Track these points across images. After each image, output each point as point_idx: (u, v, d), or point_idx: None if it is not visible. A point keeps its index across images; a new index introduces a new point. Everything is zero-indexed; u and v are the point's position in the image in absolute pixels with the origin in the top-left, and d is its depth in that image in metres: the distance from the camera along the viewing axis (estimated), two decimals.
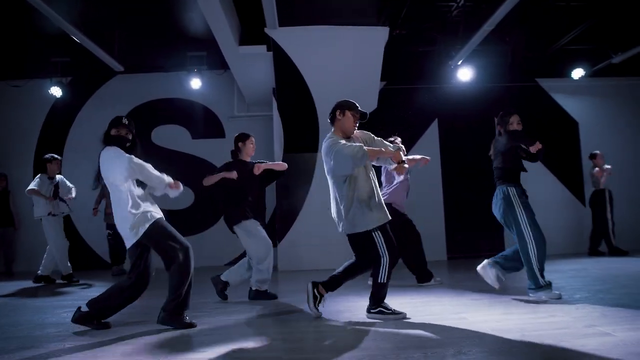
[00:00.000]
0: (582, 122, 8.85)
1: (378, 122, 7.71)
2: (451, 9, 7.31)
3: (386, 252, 3.57)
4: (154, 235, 3.42)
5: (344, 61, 6.56)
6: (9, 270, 7.98)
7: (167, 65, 8.90)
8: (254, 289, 4.66)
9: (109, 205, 7.70)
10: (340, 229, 3.70)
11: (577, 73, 8.39)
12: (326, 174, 3.69)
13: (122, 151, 3.44)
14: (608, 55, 8.14)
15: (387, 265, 3.58)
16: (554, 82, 8.83)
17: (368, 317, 3.62)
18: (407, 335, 3.07)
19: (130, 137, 3.56)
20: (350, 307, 4.13)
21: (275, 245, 7.86)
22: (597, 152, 7.83)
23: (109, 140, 3.51)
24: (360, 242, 3.66)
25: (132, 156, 3.44)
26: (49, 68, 8.64)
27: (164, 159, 8.44)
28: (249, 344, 3.02)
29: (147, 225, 3.38)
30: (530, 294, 4.06)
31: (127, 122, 3.54)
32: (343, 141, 3.58)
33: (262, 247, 4.60)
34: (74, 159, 8.85)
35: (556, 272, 5.91)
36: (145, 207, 3.46)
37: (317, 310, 3.63)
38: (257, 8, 6.38)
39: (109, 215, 7.65)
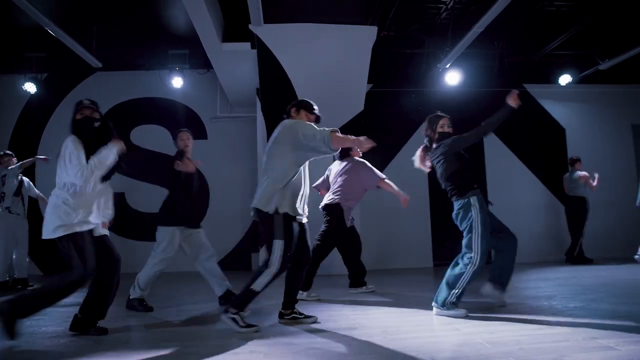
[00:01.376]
0: (569, 128, 8.81)
1: (364, 125, 7.62)
2: (440, 10, 7.20)
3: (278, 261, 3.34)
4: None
5: (330, 60, 6.37)
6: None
7: (147, 63, 8.65)
8: None
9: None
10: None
11: (565, 79, 8.36)
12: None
13: (80, 154, 3.19)
14: (595, 61, 8.11)
15: (271, 276, 3.33)
16: (541, 87, 8.79)
17: (222, 318, 3.35)
18: (404, 348, 2.88)
19: (97, 116, 3.38)
20: (357, 321, 3.92)
21: (257, 250, 7.65)
22: (578, 157, 7.84)
23: (76, 125, 3.33)
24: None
25: (87, 163, 3.19)
26: (22, 63, 8.31)
27: (143, 160, 8.17)
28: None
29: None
30: (436, 309, 3.81)
31: (89, 103, 3.37)
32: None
33: None
34: (49, 156, 8.53)
35: (545, 280, 5.79)
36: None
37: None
38: (242, 3, 6.20)
39: None
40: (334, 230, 4.97)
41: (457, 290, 3.70)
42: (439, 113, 4.08)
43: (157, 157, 8.45)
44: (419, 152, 4.13)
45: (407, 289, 5.35)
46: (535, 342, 2.87)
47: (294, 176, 3.40)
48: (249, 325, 3.32)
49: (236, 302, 3.37)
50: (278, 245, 3.33)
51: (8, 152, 6.52)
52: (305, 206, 3.60)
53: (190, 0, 5.09)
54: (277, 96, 6.85)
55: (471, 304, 4.01)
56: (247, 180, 8.19)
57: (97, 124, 3.36)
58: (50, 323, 3.81)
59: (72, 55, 7.48)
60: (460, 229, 3.89)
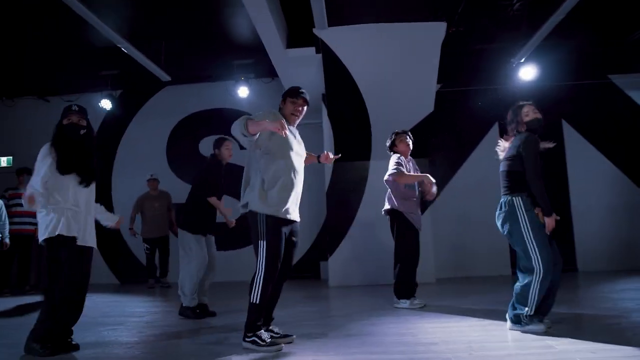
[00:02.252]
0: None
1: (435, 127, 7.29)
2: (512, 1, 6.76)
3: (263, 264, 3.14)
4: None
5: (397, 61, 6.11)
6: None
7: (213, 74, 8.81)
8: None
9: (145, 221, 7.68)
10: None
11: None
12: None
13: (42, 168, 3.18)
14: None
15: (261, 282, 3.12)
16: (629, 77, 7.99)
17: (243, 346, 3.15)
18: None
19: (84, 123, 3.36)
20: (437, 335, 3.67)
21: (325, 259, 7.52)
22: None
23: (61, 130, 3.32)
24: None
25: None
26: (99, 81, 8.74)
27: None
28: None
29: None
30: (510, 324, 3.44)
31: (77, 109, 3.36)
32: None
33: None
34: (125, 171, 8.94)
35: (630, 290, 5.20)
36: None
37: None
38: (304, 8, 6.12)
39: (145, 230, 7.69)
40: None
41: (528, 309, 3.31)
42: (521, 102, 3.70)
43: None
44: (502, 143, 3.76)
45: (488, 299, 4.96)
46: None
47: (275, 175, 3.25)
48: (272, 343, 3.11)
49: (246, 324, 3.18)
50: (262, 246, 3.18)
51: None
52: (296, 208, 3.38)
53: (254, 8, 5.06)
54: (344, 100, 6.72)
55: (557, 315, 3.63)
56: (315, 188, 8.07)
57: (82, 132, 3.35)
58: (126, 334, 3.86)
59: (143, 70, 7.77)
60: (502, 232, 3.54)
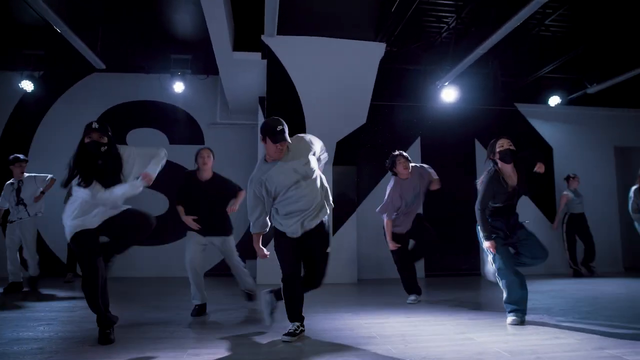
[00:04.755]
0: (556, 147, 9.17)
1: (365, 137, 7.80)
2: (441, 30, 7.45)
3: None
4: None
5: (338, 74, 6.51)
6: None
7: (147, 66, 8.62)
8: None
9: None
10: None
11: (554, 100, 8.70)
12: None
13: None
14: (584, 85, 8.50)
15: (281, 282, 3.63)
16: (531, 107, 9.13)
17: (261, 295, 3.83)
18: (427, 356, 3.02)
19: (104, 140, 3.46)
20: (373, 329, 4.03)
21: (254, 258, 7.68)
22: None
23: (82, 148, 3.44)
24: None
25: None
26: (18, 60, 8.20)
27: None
28: None
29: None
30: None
31: (97, 127, 3.45)
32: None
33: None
34: (42, 157, 8.41)
35: (537, 292, 6.02)
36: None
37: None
38: (253, 14, 6.30)
39: None
40: None
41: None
42: (499, 136, 4.20)
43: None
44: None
45: (404, 299, 5.48)
46: (549, 352, 3.06)
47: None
48: (272, 310, 3.77)
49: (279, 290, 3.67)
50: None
51: (20, 156, 6.57)
52: (306, 222, 3.55)
53: (211, 5, 5.14)
54: (283, 106, 6.96)
55: (477, 314, 4.20)
56: (243, 186, 8.16)
57: (104, 149, 3.44)
58: None
59: (72, 54, 7.36)
60: None
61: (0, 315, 4.43)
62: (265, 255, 3.62)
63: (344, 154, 7.39)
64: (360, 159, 8.10)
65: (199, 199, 4.65)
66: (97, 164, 3.40)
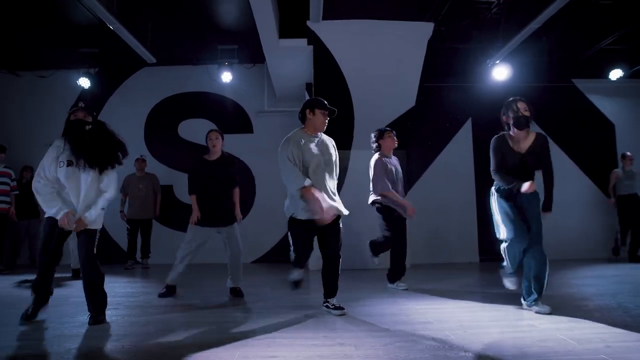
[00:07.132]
0: (619, 123, 8.66)
1: (414, 120, 7.64)
2: (491, 5, 7.15)
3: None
4: None
5: (385, 57, 6.40)
6: (34, 262, 7.90)
7: (196, 58, 8.80)
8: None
9: (128, 202, 7.71)
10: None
11: (615, 74, 8.21)
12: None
13: (45, 162, 3.52)
14: None
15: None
16: (590, 82, 8.65)
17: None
18: (489, 343, 2.95)
19: (89, 119, 3.58)
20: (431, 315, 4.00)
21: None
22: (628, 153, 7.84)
23: (68, 125, 3.55)
24: None
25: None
26: (76, 58, 8.56)
27: (190, 153, 8.34)
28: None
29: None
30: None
31: (83, 105, 3.59)
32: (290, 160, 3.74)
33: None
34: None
35: (602, 277, 5.75)
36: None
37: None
38: (299, 0, 6.28)
39: (127, 211, 7.77)
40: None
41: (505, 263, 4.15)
42: (513, 98, 4.00)
43: (203, 151, 8.61)
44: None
45: (465, 283, 5.37)
46: (619, 341, 2.91)
47: None
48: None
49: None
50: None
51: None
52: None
53: None
54: (330, 91, 6.92)
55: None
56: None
57: (88, 127, 3.53)
58: None
59: (124, 50, 7.64)
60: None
61: (74, 299, 4.66)
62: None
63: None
64: (410, 142, 7.96)
65: (207, 180, 4.75)
66: (85, 139, 3.49)
